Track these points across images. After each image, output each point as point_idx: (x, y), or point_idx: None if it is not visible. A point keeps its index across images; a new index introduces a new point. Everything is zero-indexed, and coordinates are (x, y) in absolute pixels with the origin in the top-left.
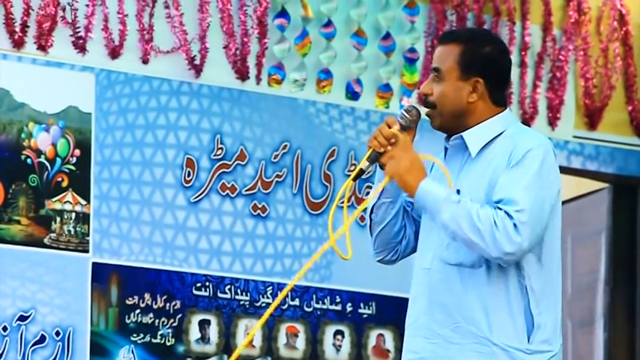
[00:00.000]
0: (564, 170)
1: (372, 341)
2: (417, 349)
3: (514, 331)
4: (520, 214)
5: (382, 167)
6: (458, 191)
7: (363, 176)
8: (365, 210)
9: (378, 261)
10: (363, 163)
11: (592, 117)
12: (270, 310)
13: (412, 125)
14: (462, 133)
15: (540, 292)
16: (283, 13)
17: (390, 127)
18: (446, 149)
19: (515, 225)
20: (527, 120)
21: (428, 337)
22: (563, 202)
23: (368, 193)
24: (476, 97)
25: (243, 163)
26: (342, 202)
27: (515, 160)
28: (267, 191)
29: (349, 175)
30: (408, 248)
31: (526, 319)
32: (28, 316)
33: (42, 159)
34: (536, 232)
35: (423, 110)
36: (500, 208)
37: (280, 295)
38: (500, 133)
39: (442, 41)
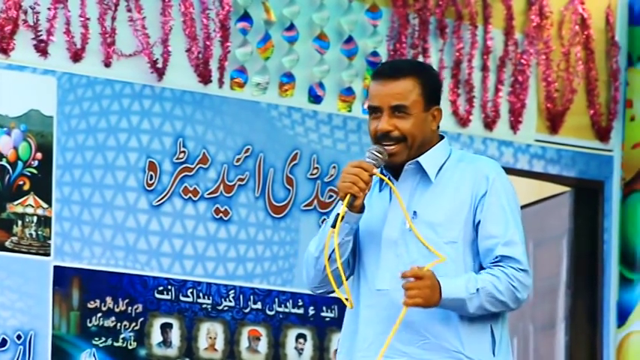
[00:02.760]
0: (526, 174)
1: (334, 345)
2: None
3: (482, 345)
4: (523, 256)
5: (353, 210)
6: (415, 213)
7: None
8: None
9: (319, 293)
10: (343, 210)
11: (554, 121)
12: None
13: (381, 165)
14: (418, 159)
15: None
16: (246, 17)
17: (367, 171)
18: (388, 177)
19: (524, 271)
20: (489, 124)
21: (391, 356)
22: (525, 206)
23: (331, 197)
24: (435, 124)
25: (205, 166)
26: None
27: (483, 187)
28: (230, 195)
29: (311, 179)
30: (350, 274)
31: (490, 332)
32: None
33: (3, 162)
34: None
35: None
36: (502, 259)
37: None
38: (448, 157)
39: (390, 77)
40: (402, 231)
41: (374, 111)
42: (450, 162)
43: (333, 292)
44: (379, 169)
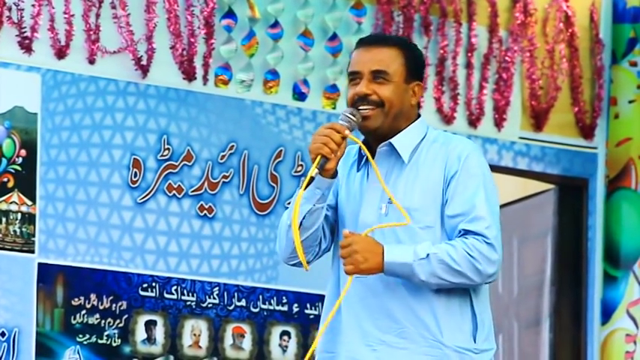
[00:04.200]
0: (510, 171)
1: None
2: (356, 355)
3: (462, 332)
4: (489, 230)
5: (322, 173)
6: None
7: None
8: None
9: (292, 264)
10: (313, 171)
11: (538, 118)
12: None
13: (355, 129)
14: (391, 140)
15: (480, 290)
16: (230, 14)
17: (339, 133)
18: (365, 158)
19: (488, 244)
20: (473, 121)
21: (369, 344)
22: (510, 204)
23: None
24: (415, 100)
25: (189, 163)
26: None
27: (454, 168)
28: (214, 192)
29: (296, 176)
30: (326, 249)
31: (471, 319)
32: None
33: None
34: (500, 237)
35: None
36: (466, 233)
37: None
38: (423, 137)
39: (375, 44)
40: (378, 215)
41: (354, 77)
42: (424, 142)
43: (310, 261)
44: (352, 131)
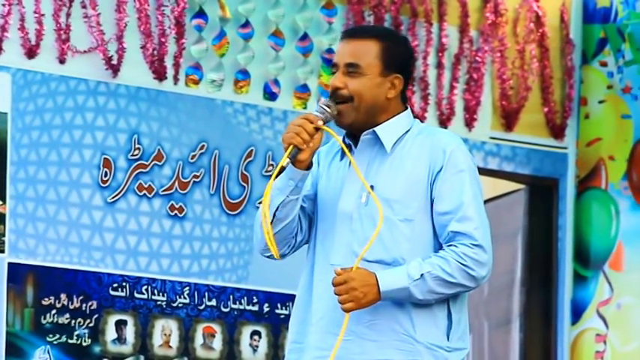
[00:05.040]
0: (481, 171)
1: None
2: (326, 347)
3: (436, 329)
4: (477, 231)
5: (294, 163)
6: (372, 187)
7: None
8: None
9: (267, 256)
10: (284, 161)
11: (508, 118)
12: None
13: (329, 121)
14: (375, 129)
15: None
16: (201, 14)
17: (312, 123)
18: (349, 146)
19: (477, 246)
20: (444, 121)
21: (338, 333)
22: None
23: None
24: (394, 93)
25: (160, 163)
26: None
27: (440, 162)
28: (185, 192)
29: (267, 176)
30: (302, 242)
31: (445, 316)
32: None
33: None
34: (489, 234)
35: None
36: (455, 235)
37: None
38: (408, 130)
39: (354, 36)
40: (357, 205)
41: (334, 69)
42: (410, 134)
43: (286, 254)
44: (327, 122)
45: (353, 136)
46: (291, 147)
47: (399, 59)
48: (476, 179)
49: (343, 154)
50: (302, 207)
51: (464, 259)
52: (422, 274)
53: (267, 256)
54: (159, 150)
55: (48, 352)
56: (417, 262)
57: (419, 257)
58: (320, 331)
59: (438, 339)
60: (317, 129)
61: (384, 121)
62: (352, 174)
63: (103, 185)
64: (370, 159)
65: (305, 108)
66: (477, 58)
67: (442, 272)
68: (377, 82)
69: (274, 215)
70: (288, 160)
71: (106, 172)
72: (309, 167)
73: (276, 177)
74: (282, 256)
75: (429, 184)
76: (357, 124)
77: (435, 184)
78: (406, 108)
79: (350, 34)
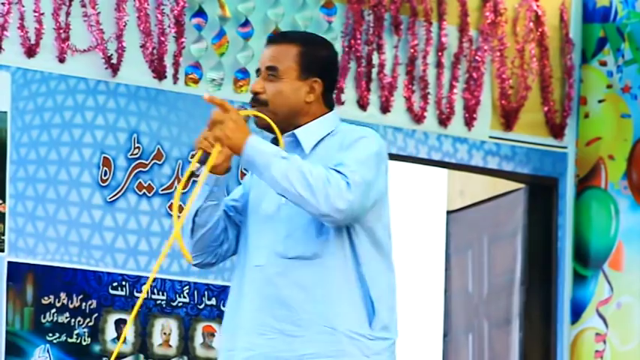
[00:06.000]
0: (480, 171)
1: None
2: (252, 346)
3: (357, 318)
4: (354, 174)
5: (214, 171)
6: None
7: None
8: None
9: (196, 264)
10: (194, 166)
11: (508, 117)
12: (139, 304)
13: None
14: (295, 131)
15: (377, 278)
16: (200, 13)
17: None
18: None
19: (348, 183)
20: (443, 120)
21: (264, 332)
22: (479, 203)
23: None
24: (313, 97)
25: (160, 162)
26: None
27: (347, 144)
28: (185, 191)
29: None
30: (229, 252)
31: (366, 305)
32: None
33: None
34: (368, 198)
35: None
36: (333, 170)
37: (144, 289)
38: (330, 132)
39: (275, 41)
40: (278, 205)
41: (257, 73)
42: (330, 136)
43: (213, 264)
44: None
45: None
46: (200, 151)
47: (318, 63)
48: (379, 161)
49: None
50: (229, 216)
51: (331, 177)
52: (289, 158)
53: (196, 265)
54: (158, 149)
55: (48, 352)
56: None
57: (336, 250)
58: (248, 333)
59: (360, 327)
60: None
61: (305, 124)
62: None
63: (102, 184)
64: None
65: None
66: (477, 57)
67: (307, 170)
68: (294, 86)
69: (194, 221)
70: (197, 165)
71: (105, 171)
72: (225, 172)
73: (187, 182)
74: (210, 264)
75: None
76: (277, 126)
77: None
78: (330, 110)
79: (272, 39)
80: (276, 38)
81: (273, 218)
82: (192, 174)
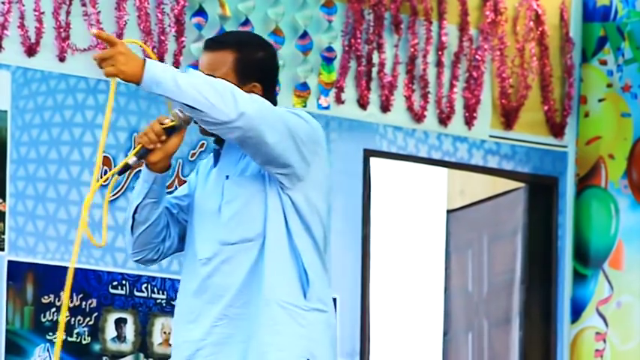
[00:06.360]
0: (480, 170)
1: None
2: (203, 336)
3: (291, 290)
4: (251, 97)
5: (147, 165)
6: (227, 177)
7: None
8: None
9: (136, 261)
10: (130, 158)
11: (508, 117)
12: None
13: (184, 125)
14: None
15: (310, 251)
16: (201, 12)
17: (161, 124)
18: (217, 152)
19: (252, 96)
20: (443, 119)
21: (214, 322)
22: (480, 202)
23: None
24: None
25: None
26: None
27: None
28: (105, 184)
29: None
30: (172, 249)
31: (300, 277)
32: None
33: None
34: (267, 118)
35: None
36: None
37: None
38: None
39: (210, 48)
40: (219, 200)
41: None
42: None
43: (155, 260)
44: (182, 126)
45: (221, 140)
46: (139, 146)
47: (255, 67)
48: (301, 128)
49: (216, 163)
50: (171, 213)
51: (235, 88)
52: (190, 71)
53: (137, 261)
54: None
55: (48, 350)
56: None
57: (275, 227)
58: (194, 324)
59: (293, 297)
60: (170, 133)
61: None
62: (216, 174)
63: (102, 183)
64: (236, 159)
65: (305, 106)
66: (477, 56)
67: (212, 79)
68: None
69: (134, 218)
70: (134, 158)
71: (105, 171)
72: (164, 170)
73: (119, 173)
74: (152, 261)
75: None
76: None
77: None
78: None
79: (207, 45)
80: (212, 45)
81: (215, 212)
82: (127, 166)
